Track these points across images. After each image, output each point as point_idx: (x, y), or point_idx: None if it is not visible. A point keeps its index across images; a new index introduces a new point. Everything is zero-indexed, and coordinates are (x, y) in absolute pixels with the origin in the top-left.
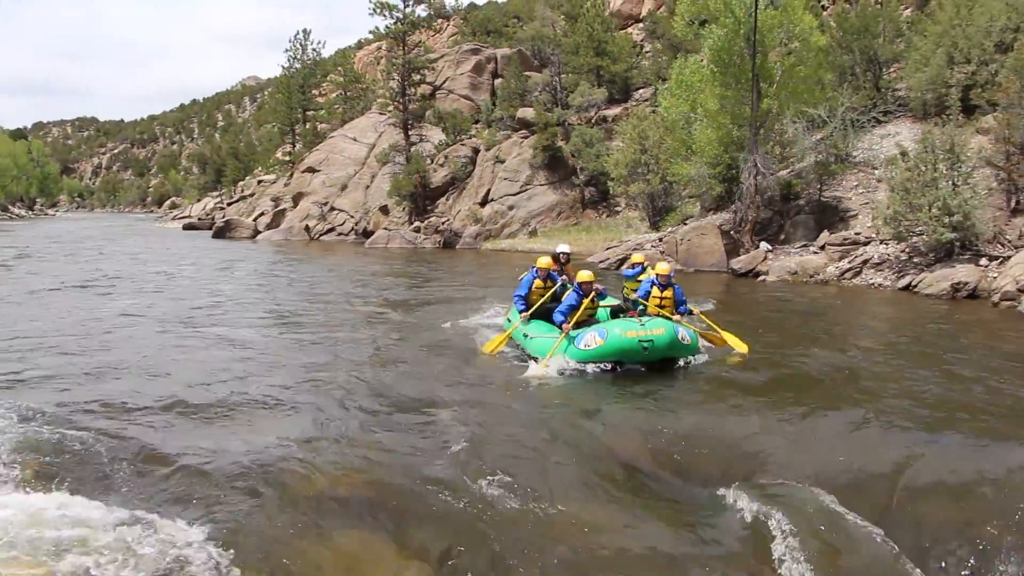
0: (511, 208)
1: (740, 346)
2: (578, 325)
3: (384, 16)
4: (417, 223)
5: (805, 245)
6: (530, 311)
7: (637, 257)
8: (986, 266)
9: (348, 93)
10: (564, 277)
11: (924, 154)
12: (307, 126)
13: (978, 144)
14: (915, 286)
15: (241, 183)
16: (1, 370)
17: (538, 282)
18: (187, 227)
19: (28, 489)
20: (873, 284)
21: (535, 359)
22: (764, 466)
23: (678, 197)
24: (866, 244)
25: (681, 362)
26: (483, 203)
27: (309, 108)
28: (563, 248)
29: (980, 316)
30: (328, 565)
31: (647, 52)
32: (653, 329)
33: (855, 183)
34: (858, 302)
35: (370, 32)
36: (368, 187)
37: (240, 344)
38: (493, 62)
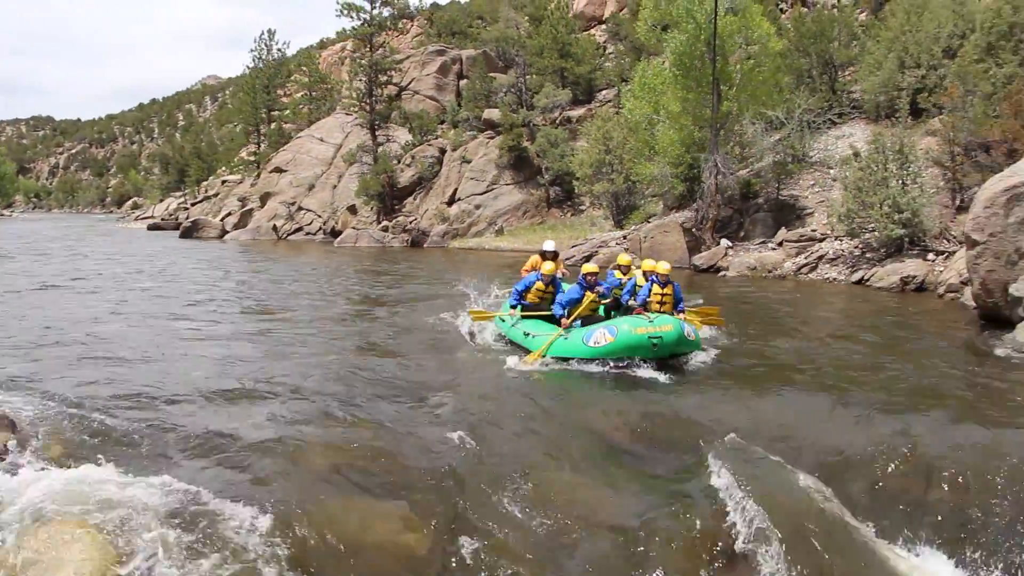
0: (478, 207)
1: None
2: (585, 321)
3: (351, 18)
4: (385, 222)
5: (764, 242)
6: (518, 308)
7: (624, 258)
8: (933, 260)
9: (313, 93)
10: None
11: (875, 155)
12: (272, 126)
13: (927, 145)
14: (867, 280)
15: (205, 183)
16: (15, 363)
17: (539, 284)
18: (152, 227)
19: (67, 464)
20: (828, 278)
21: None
22: (729, 438)
23: (641, 196)
24: (821, 240)
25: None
26: (450, 202)
27: (274, 108)
28: (549, 245)
29: (927, 307)
30: (340, 524)
31: (610, 54)
32: (662, 326)
33: (811, 182)
34: (814, 295)
35: (336, 32)
36: (335, 187)
37: (240, 337)
38: (458, 63)
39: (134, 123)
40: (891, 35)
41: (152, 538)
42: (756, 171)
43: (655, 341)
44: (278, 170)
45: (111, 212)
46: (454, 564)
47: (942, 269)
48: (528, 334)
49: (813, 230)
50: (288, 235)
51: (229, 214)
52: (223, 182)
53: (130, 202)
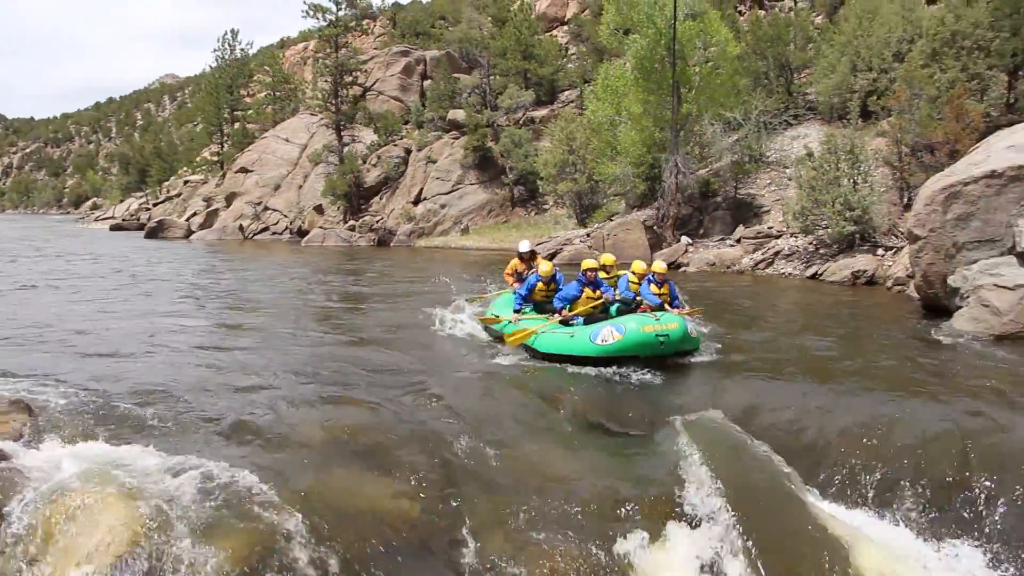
0: (443, 206)
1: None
2: (587, 320)
3: (317, 19)
4: (352, 222)
5: (722, 238)
6: (522, 311)
7: (608, 258)
8: (882, 256)
9: (277, 93)
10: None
11: (828, 155)
12: (236, 126)
13: (877, 146)
14: (821, 274)
15: (166, 183)
16: (18, 356)
17: (540, 285)
18: (114, 228)
19: (83, 443)
20: (784, 273)
21: (499, 339)
22: (694, 417)
23: (604, 195)
24: (777, 237)
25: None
26: (416, 202)
27: (237, 108)
28: (524, 246)
29: (876, 300)
30: (338, 492)
31: (572, 55)
32: (668, 323)
33: (768, 181)
34: (772, 289)
35: (298, 32)
36: (301, 187)
37: (230, 330)
38: (422, 64)
39: (91, 122)
40: (844, 39)
41: (173, 505)
42: (715, 170)
43: (662, 339)
44: (244, 170)
45: (68, 213)
46: (441, 525)
47: (891, 264)
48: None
49: (769, 227)
50: (254, 235)
51: (195, 214)
52: (185, 182)
53: (89, 202)
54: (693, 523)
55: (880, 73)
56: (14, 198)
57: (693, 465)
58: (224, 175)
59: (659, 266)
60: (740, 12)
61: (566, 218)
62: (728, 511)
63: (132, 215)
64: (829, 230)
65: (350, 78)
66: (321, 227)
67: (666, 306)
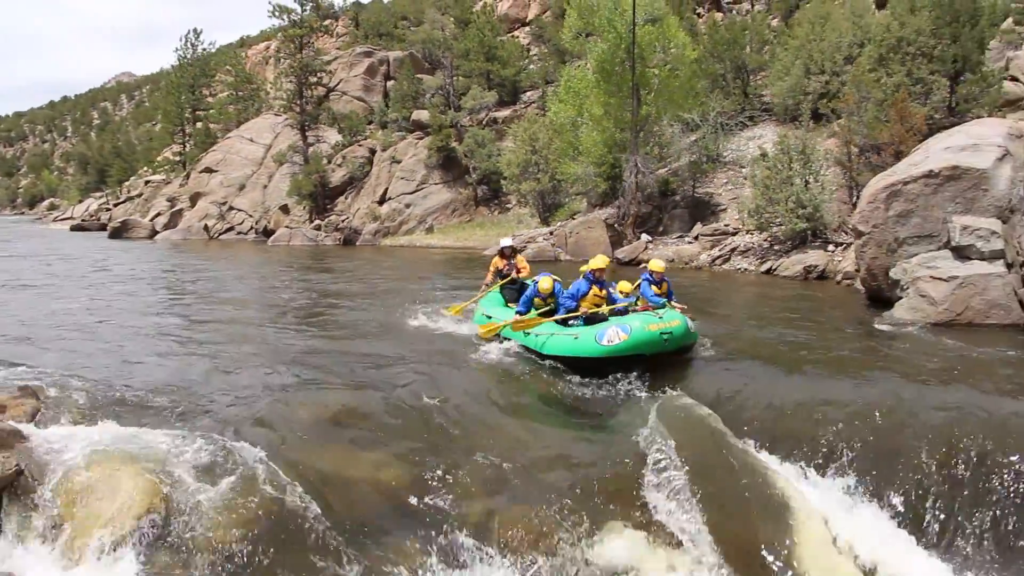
0: (408, 206)
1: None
2: (587, 321)
3: (282, 20)
4: (318, 221)
5: (681, 236)
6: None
7: (596, 263)
8: (833, 251)
9: (240, 93)
10: (517, 271)
11: (781, 155)
12: (198, 126)
13: (829, 146)
14: (775, 270)
15: (127, 183)
16: (13, 349)
17: (538, 300)
18: (75, 228)
19: (92, 423)
20: (740, 269)
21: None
22: (655, 394)
23: (566, 194)
24: (734, 234)
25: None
26: (381, 201)
27: (199, 108)
28: (506, 241)
29: (826, 293)
30: (329, 463)
31: (534, 55)
32: (671, 321)
33: (725, 180)
34: (729, 284)
35: (260, 31)
36: (266, 187)
37: (216, 323)
38: (385, 65)
39: (45, 121)
40: (798, 43)
41: (182, 475)
42: (674, 170)
43: (666, 336)
44: (208, 170)
45: (23, 213)
46: (425, 494)
47: (840, 259)
48: (528, 333)
49: (726, 225)
50: (219, 235)
51: (159, 214)
52: (147, 182)
53: (46, 203)
54: (656, 488)
55: (832, 76)
56: None
57: (657, 437)
58: (188, 175)
59: (657, 265)
60: (699, 14)
61: (529, 217)
62: (686, 478)
63: (92, 215)
64: (783, 227)
65: (315, 79)
66: (287, 227)
67: (668, 303)
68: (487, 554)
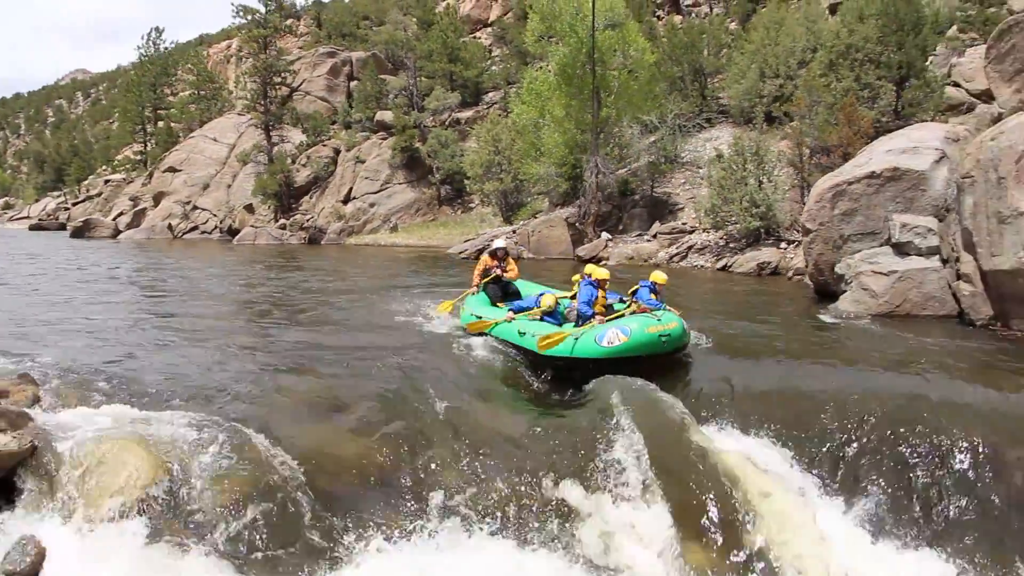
0: (372, 205)
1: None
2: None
3: (246, 20)
4: (283, 220)
5: (640, 234)
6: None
7: (600, 272)
8: (785, 248)
9: (202, 92)
10: (508, 272)
11: (736, 156)
12: (160, 125)
13: (782, 148)
14: (730, 266)
15: (85, 183)
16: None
17: (537, 310)
18: (34, 228)
19: (91, 407)
20: (697, 266)
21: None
22: (619, 381)
23: (528, 194)
24: (691, 233)
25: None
26: (346, 201)
27: (160, 107)
28: (499, 243)
29: (778, 288)
30: (315, 442)
31: (496, 56)
32: (668, 323)
33: (682, 180)
34: (686, 280)
35: (220, 29)
36: (230, 186)
37: (200, 317)
38: (348, 65)
39: None
40: (754, 47)
41: (184, 451)
42: (633, 170)
43: (664, 338)
44: (172, 169)
45: None
46: (405, 467)
47: (792, 256)
48: (523, 332)
49: (684, 223)
50: (184, 234)
51: (121, 214)
52: (106, 181)
53: (0, 202)
54: (616, 465)
55: (786, 80)
56: None
57: (619, 419)
58: (151, 174)
59: (660, 277)
60: (658, 16)
61: (492, 216)
62: (645, 456)
63: (50, 215)
64: (738, 225)
65: (278, 79)
66: (252, 226)
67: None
68: (464, 519)
